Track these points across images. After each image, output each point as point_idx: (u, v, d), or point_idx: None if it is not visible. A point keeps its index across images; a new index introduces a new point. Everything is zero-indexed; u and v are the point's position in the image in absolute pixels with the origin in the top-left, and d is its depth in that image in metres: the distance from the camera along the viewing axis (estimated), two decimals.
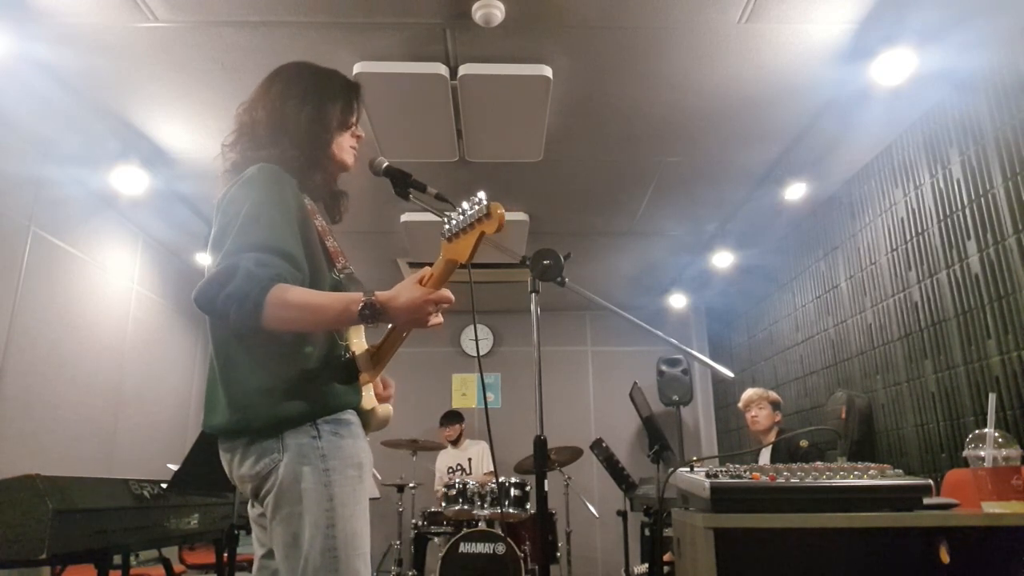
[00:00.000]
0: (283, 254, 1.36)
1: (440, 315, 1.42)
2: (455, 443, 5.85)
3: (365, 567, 1.38)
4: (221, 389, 1.42)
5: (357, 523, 1.38)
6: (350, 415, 1.45)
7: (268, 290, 1.29)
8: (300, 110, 1.56)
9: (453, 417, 5.91)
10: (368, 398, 1.52)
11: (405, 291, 1.37)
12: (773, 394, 4.39)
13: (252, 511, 1.52)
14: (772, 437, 4.24)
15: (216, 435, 1.45)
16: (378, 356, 1.54)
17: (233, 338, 1.42)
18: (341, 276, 1.53)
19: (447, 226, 1.38)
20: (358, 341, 1.55)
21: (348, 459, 1.40)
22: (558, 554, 4.93)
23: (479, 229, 1.34)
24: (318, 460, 1.36)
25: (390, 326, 1.54)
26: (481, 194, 1.34)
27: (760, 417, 4.27)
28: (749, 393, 4.39)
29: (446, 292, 1.39)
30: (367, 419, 1.51)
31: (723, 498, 1.54)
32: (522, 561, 4.28)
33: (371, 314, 1.33)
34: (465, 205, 1.35)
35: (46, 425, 3.67)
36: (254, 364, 1.40)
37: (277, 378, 1.38)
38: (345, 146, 1.64)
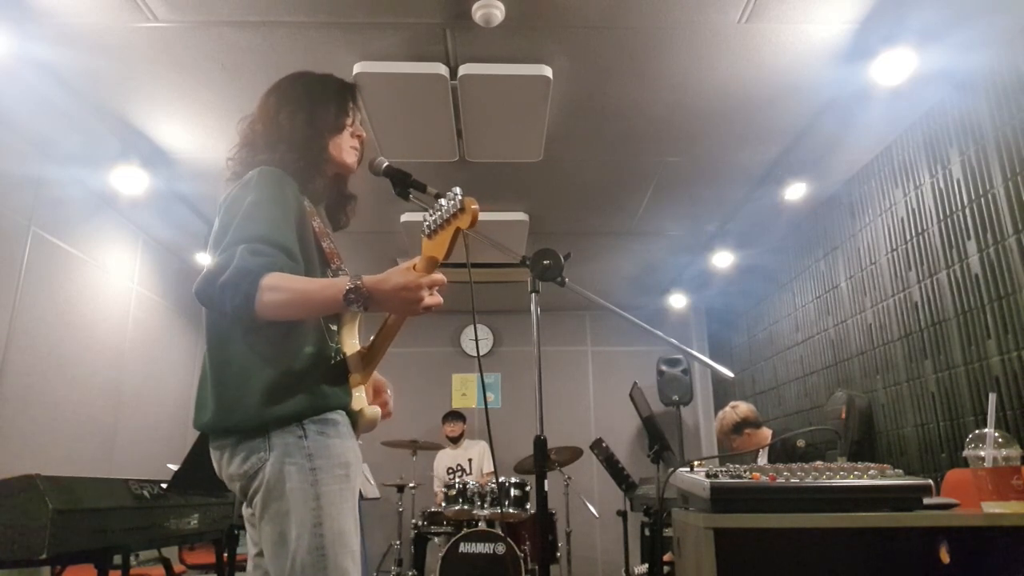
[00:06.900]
0: (278, 245, 1.39)
1: (438, 295, 1.40)
2: (455, 441, 5.85)
3: (354, 565, 1.38)
4: (211, 388, 1.43)
5: (345, 522, 1.39)
6: (338, 415, 1.46)
7: (261, 277, 1.32)
8: (294, 117, 1.60)
9: (456, 416, 5.96)
10: (358, 399, 1.52)
11: (395, 274, 1.38)
12: (743, 409, 4.19)
13: (245, 511, 1.53)
14: (768, 440, 4.23)
15: (206, 433, 1.46)
16: (369, 356, 1.54)
17: (226, 337, 1.44)
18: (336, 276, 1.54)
19: (426, 223, 1.40)
20: (351, 342, 1.55)
21: (335, 458, 1.41)
22: (558, 554, 4.93)
23: (454, 224, 1.35)
24: (304, 459, 1.37)
25: (380, 326, 1.54)
26: (456, 189, 1.36)
27: (751, 443, 4.20)
28: (724, 430, 4.18)
29: (439, 275, 1.40)
30: (356, 420, 1.52)
31: (723, 498, 1.54)
32: (522, 561, 4.28)
33: (356, 298, 1.33)
34: (443, 201, 1.37)
35: (46, 425, 3.67)
36: (244, 364, 1.41)
37: (267, 379, 1.39)
38: (344, 146, 1.66)
